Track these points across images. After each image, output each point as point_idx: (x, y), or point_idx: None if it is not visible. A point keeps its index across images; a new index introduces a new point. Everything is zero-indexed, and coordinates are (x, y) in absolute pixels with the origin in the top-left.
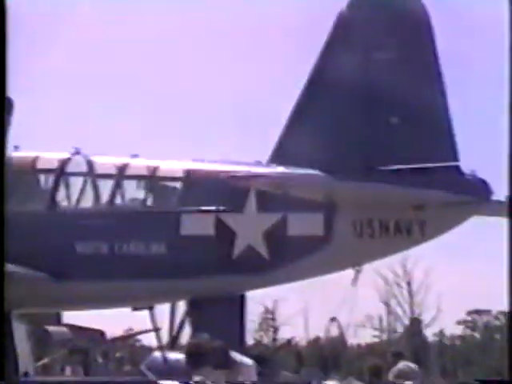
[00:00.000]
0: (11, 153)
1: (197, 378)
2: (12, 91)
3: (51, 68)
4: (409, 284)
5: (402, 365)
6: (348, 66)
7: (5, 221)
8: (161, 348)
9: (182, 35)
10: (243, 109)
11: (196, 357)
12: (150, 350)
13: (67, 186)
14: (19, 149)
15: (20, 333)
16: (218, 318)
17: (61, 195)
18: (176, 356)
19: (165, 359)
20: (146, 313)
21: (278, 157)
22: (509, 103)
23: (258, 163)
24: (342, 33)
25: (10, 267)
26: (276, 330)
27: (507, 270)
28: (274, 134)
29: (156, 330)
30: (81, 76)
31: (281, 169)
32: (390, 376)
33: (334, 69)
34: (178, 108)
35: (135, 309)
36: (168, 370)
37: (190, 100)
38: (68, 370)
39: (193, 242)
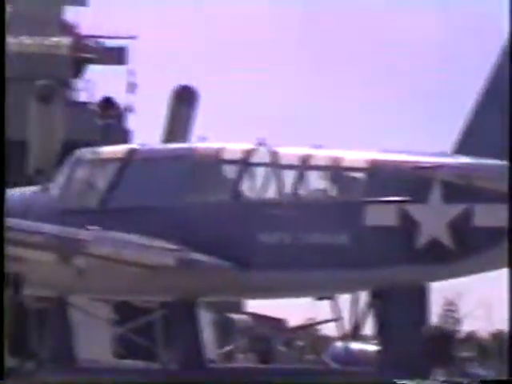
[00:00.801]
0: (197, 144)
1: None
2: (199, 84)
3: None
4: None
5: None
6: None
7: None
8: (343, 338)
9: None
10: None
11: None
12: (330, 339)
13: (251, 177)
14: (206, 140)
15: (205, 321)
16: (402, 309)
17: (245, 186)
18: (358, 346)
19: (347, 349)
20: (327, 303)
21: (464, 146)
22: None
23: (443, 153)
24: None
25: (196, 256)
26: (458, 322)
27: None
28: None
29: (337, 319)
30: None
31: (466, 159)
32: None
33: None
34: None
35: (318, 298)
36: (351, 359)
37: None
38: (241, 357)
39: (376, 232)
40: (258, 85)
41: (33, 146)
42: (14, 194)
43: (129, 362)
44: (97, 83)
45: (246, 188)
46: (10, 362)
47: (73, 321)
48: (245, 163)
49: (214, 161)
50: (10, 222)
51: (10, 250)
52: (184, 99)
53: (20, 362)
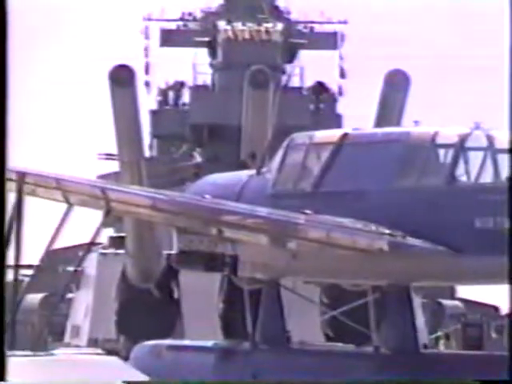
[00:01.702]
0: (411, 128)
1: None
2: (408, 68)
3: None
4: None
5: None
6: None
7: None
8: None
9: None
10: None
11: None
12: None
13: (467, 161)
14: (419, 124)
15: (417, 305)
16: None
17: (460, 170)
18: None
19: None
20: None
21: None
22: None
23: None
24: None
25: (409, 240)
26: None
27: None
28: None
29: None
30: None
31: None
32: None
33: None
34: None
35: None
36: None
37: None
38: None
39: None
40: (471, 70)
41: (247, 131)
42: (229, 177)
43: (340, 346)
44: (309, 68)
45: (462, 172)
46: (225, 343)
47: (285, 303)
48: (460, 147)
49: (429, 145)
50: (225, 204)
51: (226, 232)
52: (396, 84)
53: (235, 344)
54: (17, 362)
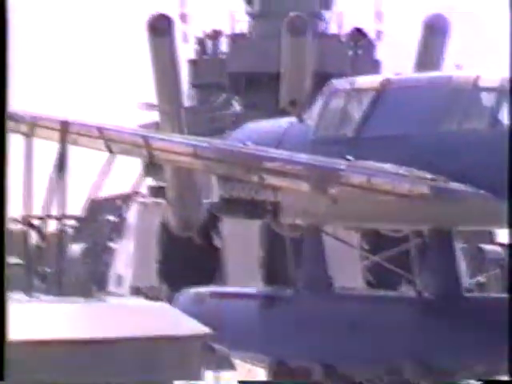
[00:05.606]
0: (453, 72)
1: None
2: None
3: None
4: None
5: None
6: None
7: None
8: None
9: None
10: None
11: None
12: None
13: (510, 104)
14: (461, 68)
15: (458, 250)
16: None
17: (504, 113)
18: None
19: None
20: None
21: None
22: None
23: None
24: None
25: (451, 185)
26: None
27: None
28: None
29: None
30: None
31: None
32: None
33: None
34: None
35: None
36: None
37: None
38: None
39: None
40: None
41: (286, 78)
42: (269, 124)
43: (382, 291)
44: (347, 14)
45: (505, 116)
46: (268, 289)
47: (327, 249)
48: (503, 90)
49: (471, 88)
50: (266, 151)
51: (268, 179)
52: (436, 28)
53: (278, 290)
54: (71, 308)
